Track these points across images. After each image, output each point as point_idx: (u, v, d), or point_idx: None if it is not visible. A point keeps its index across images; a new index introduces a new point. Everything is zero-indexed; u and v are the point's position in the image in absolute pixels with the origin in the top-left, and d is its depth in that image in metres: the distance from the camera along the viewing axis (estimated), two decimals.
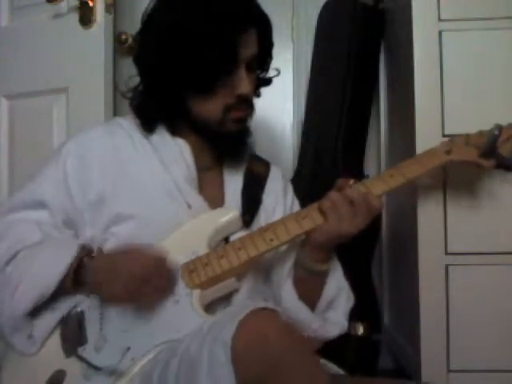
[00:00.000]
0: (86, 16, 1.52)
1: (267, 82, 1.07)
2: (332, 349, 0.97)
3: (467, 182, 1.10)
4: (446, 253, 1.13)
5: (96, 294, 0.88)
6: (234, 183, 1.04)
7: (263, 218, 1.03)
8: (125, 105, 1.66)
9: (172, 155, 0.98)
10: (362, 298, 1.38)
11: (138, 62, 1.00)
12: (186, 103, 0.96)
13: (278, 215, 1.03)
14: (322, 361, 0.99)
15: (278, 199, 1.07)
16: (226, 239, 0.97)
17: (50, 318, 0.88)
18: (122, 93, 1.05)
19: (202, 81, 0.92)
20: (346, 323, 0.98)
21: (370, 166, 1.64)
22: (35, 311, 0.86)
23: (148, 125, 1.00)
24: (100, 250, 0.91)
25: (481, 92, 1.13)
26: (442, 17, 1.14)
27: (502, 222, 1.11)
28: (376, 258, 1.54)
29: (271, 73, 1.07)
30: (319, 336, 0.95)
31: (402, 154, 1.38)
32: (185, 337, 0.77)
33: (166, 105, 0.98)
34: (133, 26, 1.76)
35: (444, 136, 1.13)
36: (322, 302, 0.97)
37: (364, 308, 1.38)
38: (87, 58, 1.52)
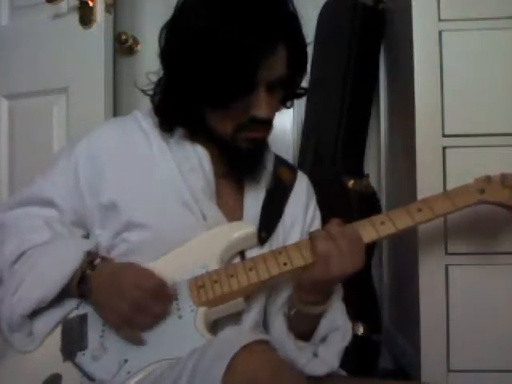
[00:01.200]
0: (86, 16, 1.52)
1: (300, 94, 1.01)
2: None
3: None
4: (446, 253, 1.13)
5: (98, 308, 0.87)
6: (254, 192, 0.99)
7: (281, 234, 0.99)
8: (125, 105, 1.68)
9: (190, 163, 0.94)
10: (362, 297, 1.39)
11: (161, 58, 0.93)
12: (201, 112, 0.92)
13: (296, 233, 1.00)
14: None
15: (298, 215, 1.02)
16: (242, 253, 0.95)
17: (52, 315, 0.87)
18: (141, 89, 0.99)
19: (214, 97, 0.86)
20: (336, 364, 0.93)
21: (369, 166, 1.64)
22: (36, 310, 0.86)
23: (167, 125, 0.96)
24: (103, 261, 0.89)
25: (481, 92, 1.13)
26: (442, 17, 1.14)
27: (501, 221, 1.11)
28: (376, 258, 1.54)
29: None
30: (305, 372, 0.91)
31: (401, 154, 1.38)
32: (175, 364, 0.73)
33: (184, 109, 0.93)
34: (133, 26, 1.77)
35: (444, 136, 1.13)
36: (315, 339, 0.94)
37: (364, 308, 1.38)
38: (87, 58, 1.52)
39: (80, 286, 0.86)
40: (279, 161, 1.07)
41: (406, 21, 1.21)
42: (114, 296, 0.82)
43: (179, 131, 0.96)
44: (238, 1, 0.84)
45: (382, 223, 0.91)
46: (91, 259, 0.87)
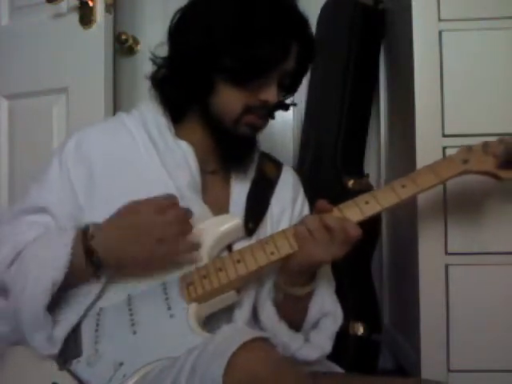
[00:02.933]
0: (86, 16, 1.52)
1: (285, 106, 1.03)
2: (332, 348, 0.97)
3: (467, 181, 1.10)
4: (446, 253, 1.13)
5: (120, 263, 0.86)
6: (240, 187, 1.01)
7: (269, 226, 1.00)
8: (125, 105, 1.68)
9: (175, 159, 0.95)
10: (362, 297, 1.39)
11: (177, 33, 0.96)
12: (211, 89, 0.93)
13: (284, 224, 1.01)
14: (324, 360, 0.99)
15: (286, 208, 1.03)
16: (230, 247, 0.95)
17: (69, 320, 0.86)
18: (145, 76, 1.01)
19: (240, 70, 0.90)
20: (328, 348, 0.95)
21: (370, 166, 1.64)
22: (55, 308, 0.85)
23: (166, 103, 0.98)
24: (95, 226, 0.87)
25: (481, 92, 1.13)
26: (442, 17, 1.14)
27: (502, 221, 1.11)
28: (376, 258, 1.54)
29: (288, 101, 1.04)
30: (297, 357, 0.92)
31: (401, 153, 1.38)
32: (176, 360, 0.73)
33: (191, 86, 0.95)
34: (133, 26, 1.77)
35: (444, 136, 1.13)
36: (306, 325, 0.96)
37: (364, 308, 1.38)
38: (87, 58, 1.52)
39: (90, 260, 0.84)
40: (264, 156, 1.09)
41: (406, 21, 1.21)
42: (154, 228, 0.84)
43: (165, 129, 0.97)
44: None
45: (367, 203, 0.90)
46: (85, 230, 0.86)
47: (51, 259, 0.83)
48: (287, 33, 0.92)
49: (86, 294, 0.88)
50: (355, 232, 0.85)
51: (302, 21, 0.96)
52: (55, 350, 0.83)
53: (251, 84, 0.92)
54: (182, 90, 0.97)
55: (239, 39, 0.89)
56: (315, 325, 0.96)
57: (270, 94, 0.93)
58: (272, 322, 0.93)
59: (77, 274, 0.85)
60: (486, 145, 0.95)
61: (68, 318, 0.86)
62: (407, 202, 0.93)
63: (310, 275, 0.93)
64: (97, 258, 0.84)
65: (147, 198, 0.87)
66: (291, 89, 1.02)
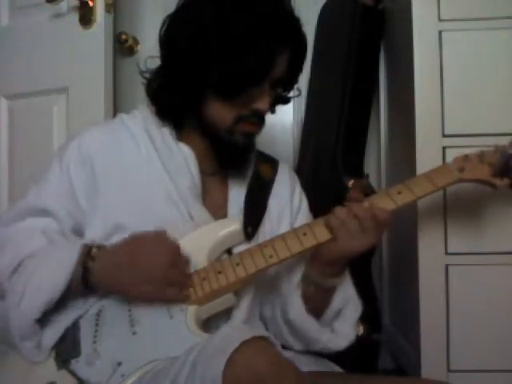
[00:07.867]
0: (85, 16, 1.52)
1: (285, 100, 1.03)
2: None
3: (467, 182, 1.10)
4: (446, 253, 1.13)
5: (116, 293, 0.87)
6: (238, 188, 1.01)
7: (268, 226, 1.00)
8: (125, 105, 1.68)
9: (175, 162, 0.95)
10: (361, 297, 1.38)
11: (164, 45, 0.95)
12: (202, 101, 0.93)
13: (285, 222, 1.01)
14: (323, 360, 0.99)
15: (285, 204, 1.04)
16: (229, 251, 0.95)
17: (60, 327, 0.86)
18: (140, 72, 1.02)
19: (226, 85, 0.89)
20: (353, 334, 0.96)
21: (369, 166, 1.64)
22: (45, 318, 0.85)
23: (162, 113, 0.98)
24: (100, 249, 0.88)
25: (481, 92, 1.13)
26: (442, 17, 1.14)
27: (502, 221, 1.11)
28: (376, 258, 1.54)
29: (292, 92, 1.03)
30: (327, 348, 0.95)
31: (402, 154, 1.38)
32: (175, 359, 0.73)
33: (183, 97, 0.95)
34: (133, 26, 1.77)
35: (444, 136, 1.13)
36: (329, 313, 0.96)
37: (364, 308, 1.38)
38: (87, 58, 1.52)
39: (84, 279, 0.85)
40: (261, 156, 1.08)
41: (405, 21, 1.21)
42: (147, 269, 0.83)
43: (165, 130, 0.97)
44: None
45: None
46: (88, 249, 0.86)
47: (50, 281, 0.84)
48: (272, 43, 0.88)
49: (82, 302, 0.88)
50: (384, 216, 0.88)
51: (291, 26, 0.93)
52: (43, 358, 0.84)
53: (241, 96, 0.90)
54: (175, 100, 0.96)
55: (223, 51, 0.87)
56: (337, 314, 0.97)
57: (262, 103, 0.92)
58: (301, 315, 0.94)
59: (72, 290, 0.86)
60: (481, 154, 0.96)
61: (58, 326, 0.86)
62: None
63: (341, 266, 0.94)
64: (92, 281, 0.85)
65: (146, 232, 0.87)
66: (287, 87, 1.00)
